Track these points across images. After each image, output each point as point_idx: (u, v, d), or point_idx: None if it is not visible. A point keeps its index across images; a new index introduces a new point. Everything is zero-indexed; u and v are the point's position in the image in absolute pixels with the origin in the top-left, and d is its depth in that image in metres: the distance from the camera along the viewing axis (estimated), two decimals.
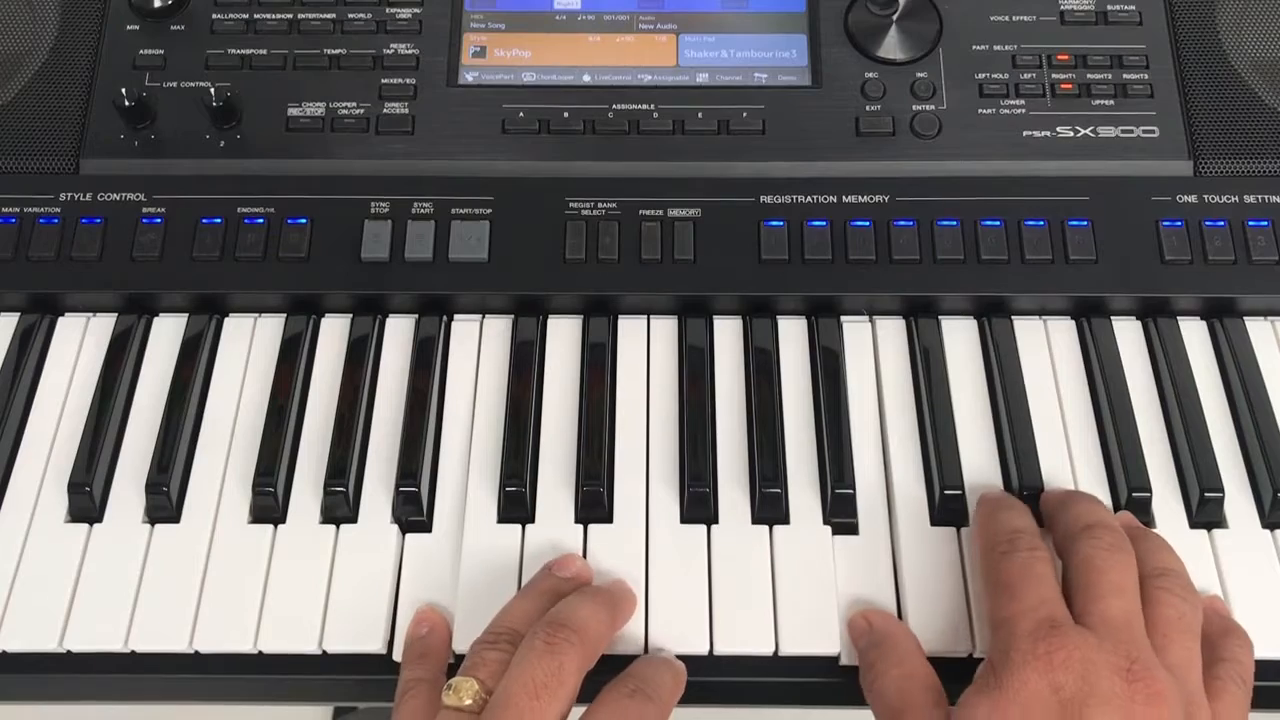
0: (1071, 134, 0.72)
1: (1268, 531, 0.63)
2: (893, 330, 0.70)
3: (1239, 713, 0.54)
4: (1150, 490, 0.63)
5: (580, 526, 0.63)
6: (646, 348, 0.69)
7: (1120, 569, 0.54)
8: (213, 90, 0.72)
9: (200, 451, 0.66)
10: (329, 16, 0.76)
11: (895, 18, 0.75)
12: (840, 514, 0.63)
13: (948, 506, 0.63)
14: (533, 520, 0.63)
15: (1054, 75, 0.74)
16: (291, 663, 0.60)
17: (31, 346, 0.69)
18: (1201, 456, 0.63)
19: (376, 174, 0.72)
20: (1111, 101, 0.73)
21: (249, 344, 0.70)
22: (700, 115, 0.73)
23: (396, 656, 0.60)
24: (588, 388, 0.67)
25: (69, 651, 0.60)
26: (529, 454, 0.64)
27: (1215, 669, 0.54)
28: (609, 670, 0.57)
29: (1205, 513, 0.63)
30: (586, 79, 0.75)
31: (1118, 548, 0.55)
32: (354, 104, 0.74)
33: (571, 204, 0.71)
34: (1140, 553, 0.56)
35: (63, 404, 0.68)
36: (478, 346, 0.69)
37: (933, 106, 0.73)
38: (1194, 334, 0.69)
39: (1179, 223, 0.70)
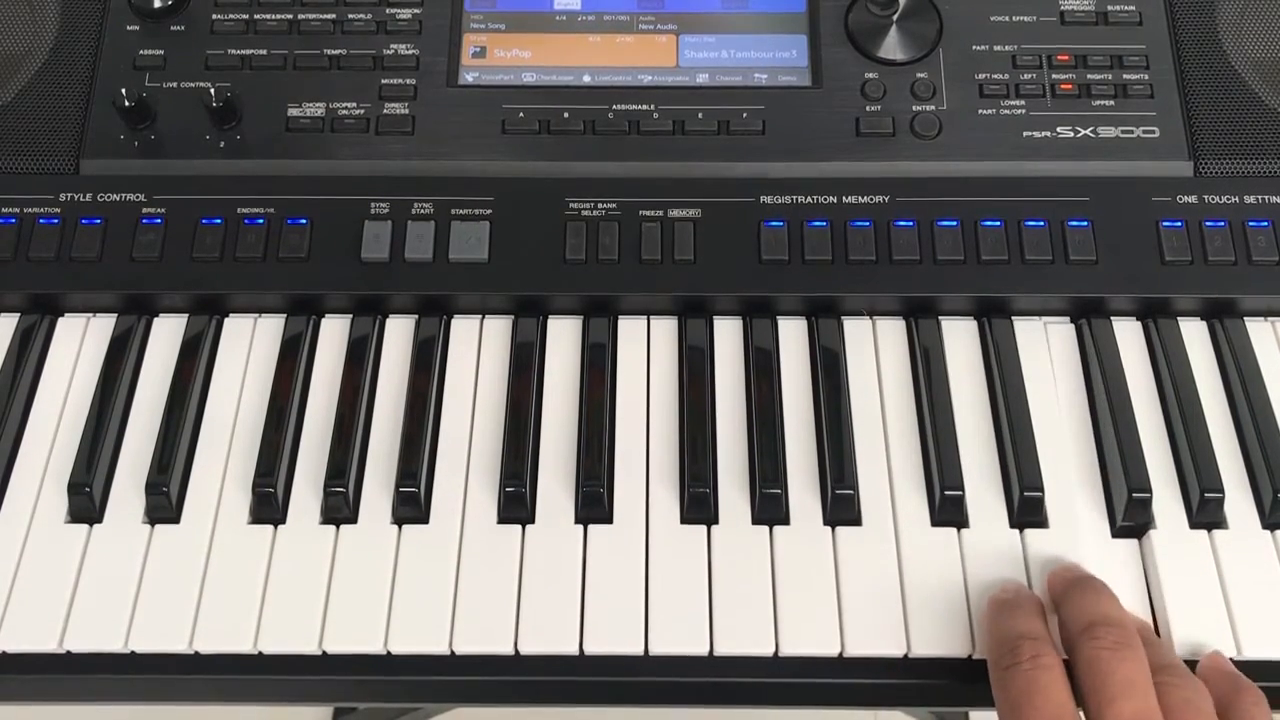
0: (1072, 134, 0.72)
1: (1268, 532, 0.63)
2: (893, 330, 0.70)
3: None
4: (1150, 491, 0.62)
5: (580, 527, 0.63)
6: (646, 348, 0.69)
7: (1129, 665, 0.52)
8: (213, 90, 0.72)
9: (200, 452, 0.66)
10: (329, 16, 0.76)
11: (895, 18, 0.75)
12: (840, 514, 0.63)
13: (948, 507, 0.63)
14: (533, 520, 0.63)
15: (1054, 75, 0.74)
16: (291, 663, 0.60)
17: (31, 346, 0.69)
18: (1202, 457, 0.63)
19: (376, 174, 0.72)
20: (1112, 102, 0.73)
21: (249, 344, 0.70)
22: (700, 115, 0.73)
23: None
24: (588, 388, 0.67)
25: (69, 652, 0.60)
26: (529, 454, 0.64)
27: None
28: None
29: (1205, 513, 0.62)
30: (586, 79, 0.75)
31: (1123, 644, 0.53)
32: (354, 104, 0.74)
33: (571, 204, 0.71)
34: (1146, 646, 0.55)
35: (63, 404, 0.68)
36: (478, 347, 0.69)
37: (933, 107, 0.73)
38: (1194, 334, 0.69)
39: (1179, 223, 0.70)
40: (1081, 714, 0.53)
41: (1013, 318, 0.70)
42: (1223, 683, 0.56)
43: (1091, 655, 0.53)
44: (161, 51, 0.75)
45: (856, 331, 0.70)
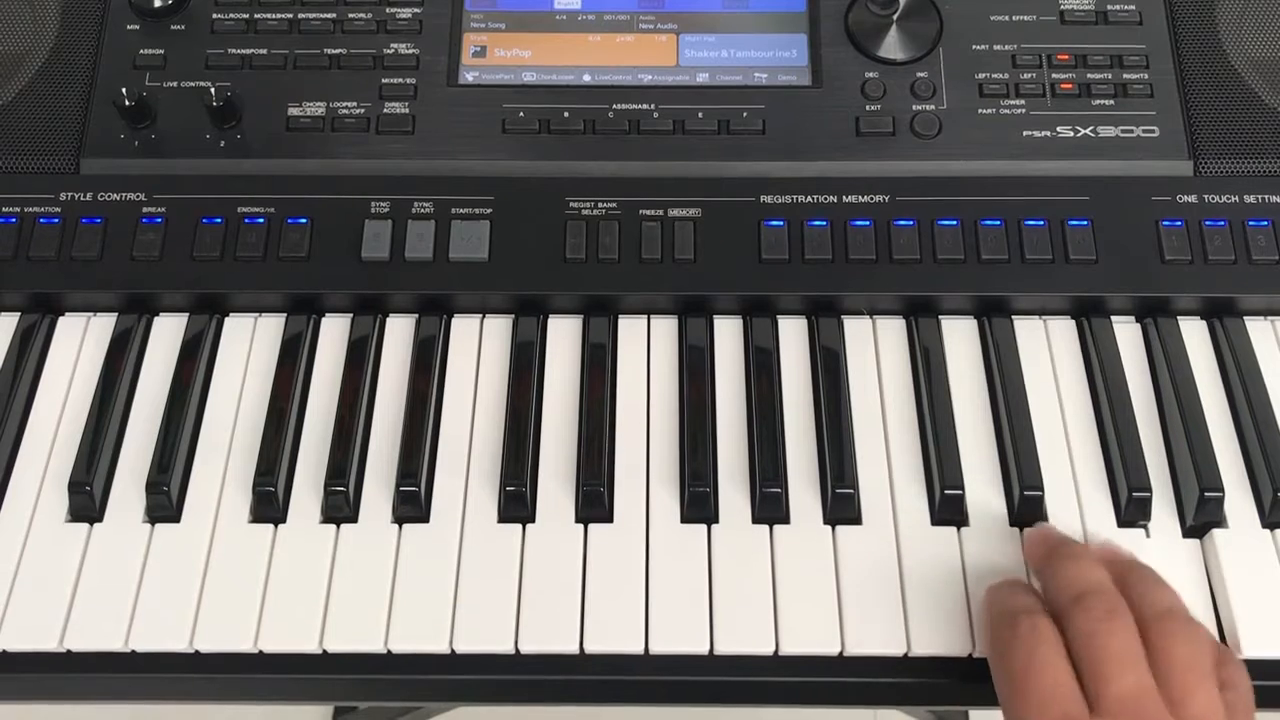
0: (1071, 134, 0.72)
1: (1268, 531, 0.63)
2: (893, 330, 0.70)
3: None
4: (1150, 490, 0.62)
5: (580, 526, 0.63)
6: (647, 348, 0.69)
7: (1121, 635, 0.53)
8: (213, 90, 0.72)
9: (200, 451, 0.66)
10: (329, 16, 0.76)
11: (896, 18, 0.75)
12: (840, 513, 0.63)
13: (948, 506, 0.63)
14: (533, 520, 0.63)
15: (1054, 75, 0.74)
16: (292, 662, 0.60)
17: (31, 346, 0.69)
18: (1201, 456, 0.63)
19: (376, 174, 0.72)
20: (1111, 101, 0.73)
21: (249, 344, 0.70)
22: (700, 115, 0.73)
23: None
24: (588, 387, 0.67)
25: (69, 651, 0.60)
26: (529, 454, 0.64)
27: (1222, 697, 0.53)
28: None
29: (1205, 513, 0.62)
30: (587, 79, 0.75)
31: (1113, 612, 0.54)
32: (354, 104, 0.74)
33: (571, 204, 0.71)
34: (1133, 594, 0.55)
35: (63, 404, 0.68)
36: (478, 346, 0.69)
37: (933, 106, 0.73)
38: (1194, 334, 0.69)
39: (1179, 222, 0.70)
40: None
41: (1013, 317, 0.70)
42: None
43: (1086, 629, 0.53)
44: (162, 51, 0.75)
45: (856, 331, 0.70)
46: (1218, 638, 0.60)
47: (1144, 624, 0.54)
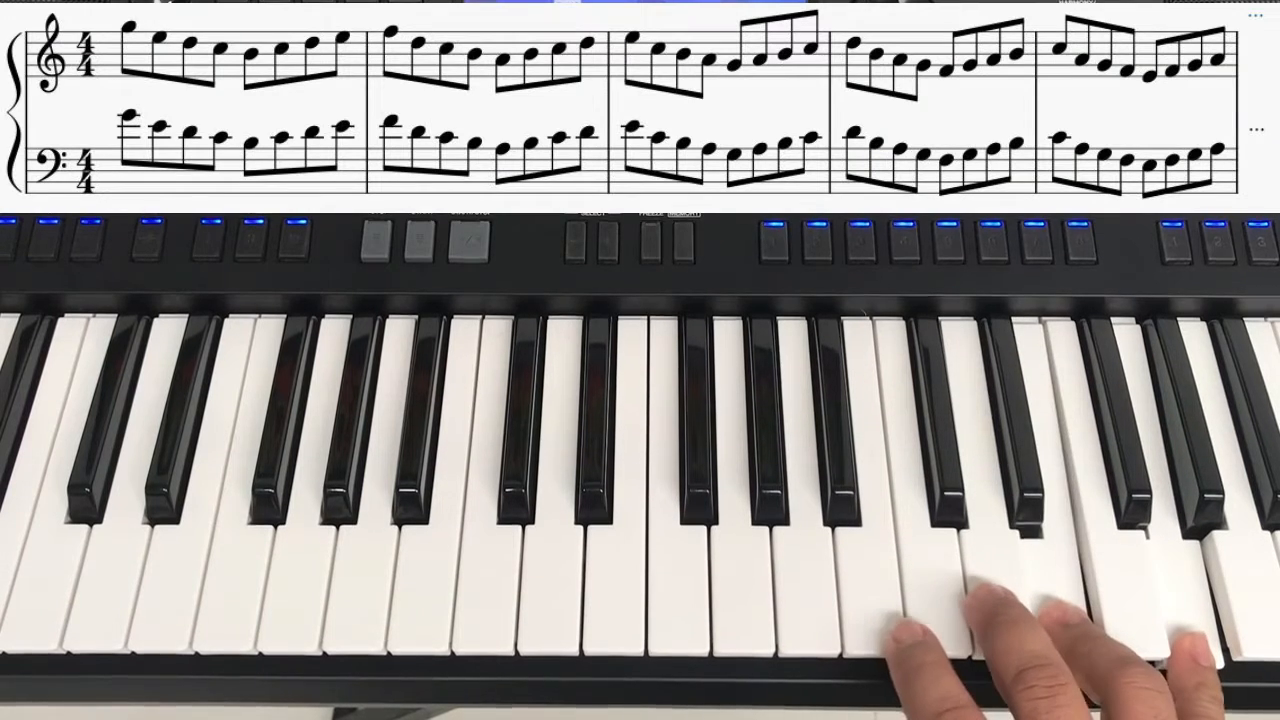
0: None
1: (1268, 533, 0.63)
2: (893, 331, 0.70)
3: None
4: (1150, 491, 0.62)
5: (580, 528, 0.63)
6: (646, 349, 0.69)
7: (1070, 708, 0.52)
8: None
9: (200, 452, 0.66)
10: None
11: None
12: (840, 515, 0.63)
13: (947, 507, 0.63)
14: (532, 521, 0.63)
15: None
16: (291, 663, 0.60)
17: (31, 347, 0.69)
18: (1202, 458, 0.63)
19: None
20: None
21: (249, 345, 0.70)
22: None
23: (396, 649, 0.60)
24: (587, 388, 0.67)
25: (69, 652, 0.60)
26: (529, 455, 0.64)
27: None
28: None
29: (1205, 514, 0.62)
30: None
31: (1058, 684, 0.53)
32: None
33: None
34: (1085, 649, 0.55)
35: (63, 404, 0.68)
36: (478, 347, 0.69)
37: None
38: (1194, 335, 0.69)
39: (1179, 223, 0.70)
40: None
41: (1012, 318, 0.70)
42: (1191, 673, 0.56)
43: (1032, 707, 0.52)
44: None
45: (856, 331, 0.70)
46: (1218, 640, 0.60)
47: (1103, 678, 0.53)
